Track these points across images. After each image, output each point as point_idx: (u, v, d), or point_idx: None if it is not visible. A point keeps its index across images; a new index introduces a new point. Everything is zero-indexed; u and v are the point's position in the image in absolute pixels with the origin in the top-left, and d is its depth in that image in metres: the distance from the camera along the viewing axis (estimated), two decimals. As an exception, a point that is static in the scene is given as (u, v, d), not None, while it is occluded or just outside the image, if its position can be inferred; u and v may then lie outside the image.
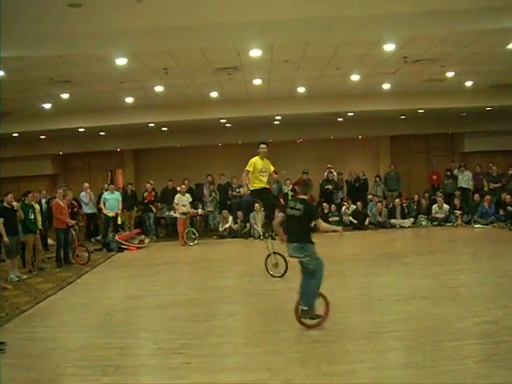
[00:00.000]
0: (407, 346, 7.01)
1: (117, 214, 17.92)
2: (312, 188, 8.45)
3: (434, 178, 22.82)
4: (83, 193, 18.58)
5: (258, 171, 11.10)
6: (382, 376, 6.00)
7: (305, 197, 8.06)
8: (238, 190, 19.74)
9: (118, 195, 18.08)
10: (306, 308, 7.67)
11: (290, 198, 19.86)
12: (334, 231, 8.92)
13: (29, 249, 13.92)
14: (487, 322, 7.68)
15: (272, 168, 11.31)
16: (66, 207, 15.09)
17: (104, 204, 17.78)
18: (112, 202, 17.76)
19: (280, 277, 11.38)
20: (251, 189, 11.36)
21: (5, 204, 13.20)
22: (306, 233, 7.82)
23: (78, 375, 6.49)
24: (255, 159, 11.17)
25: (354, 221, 19.34)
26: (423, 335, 7.26)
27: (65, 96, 15.96)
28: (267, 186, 11.45)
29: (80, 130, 21.13)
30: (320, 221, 8.02)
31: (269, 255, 11.53)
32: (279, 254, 11.30)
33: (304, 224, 7.82)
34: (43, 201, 17.82)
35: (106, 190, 18.36)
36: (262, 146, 11.23)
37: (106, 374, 6.38)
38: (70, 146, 24.80)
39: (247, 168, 11.15)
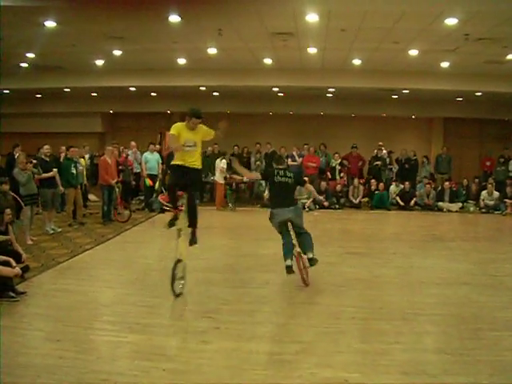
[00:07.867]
0: (445, 332, 6.74)
1: (156, 176, 17.65)
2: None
3: (488, 163, 22.08)
4: (129, 152, 18.54)
5: (183, 143, 8.10)
6: (416, 359, 5.75)
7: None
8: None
9: (157, 156, 17.91)
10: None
11: (337, 172, 19.59)
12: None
13: (69, 203, 14.00)
14: (531, 314, 7.34)
15: (211, 135, 8.71)
16: (114, 165, 14.96)
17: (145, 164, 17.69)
18: (152, 162, 17.65)
19: None
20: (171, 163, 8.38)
21: (42, 156, 13.32)
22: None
23: (105, 330, 6.46)
24: (177, 125, 8.24)
25: (401, 203, 18.78)
26: (462, 322, 6.99)
27: (117, 53, 15.94)
28: (191, 166, 8.17)
29: (131, 88, 21.19)
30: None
31: None
32: None
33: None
34: (86, 157, 17.92)
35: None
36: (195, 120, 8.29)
37: (133, 332, 6.32)
38: (121, 105, 24.98)
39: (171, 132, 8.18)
